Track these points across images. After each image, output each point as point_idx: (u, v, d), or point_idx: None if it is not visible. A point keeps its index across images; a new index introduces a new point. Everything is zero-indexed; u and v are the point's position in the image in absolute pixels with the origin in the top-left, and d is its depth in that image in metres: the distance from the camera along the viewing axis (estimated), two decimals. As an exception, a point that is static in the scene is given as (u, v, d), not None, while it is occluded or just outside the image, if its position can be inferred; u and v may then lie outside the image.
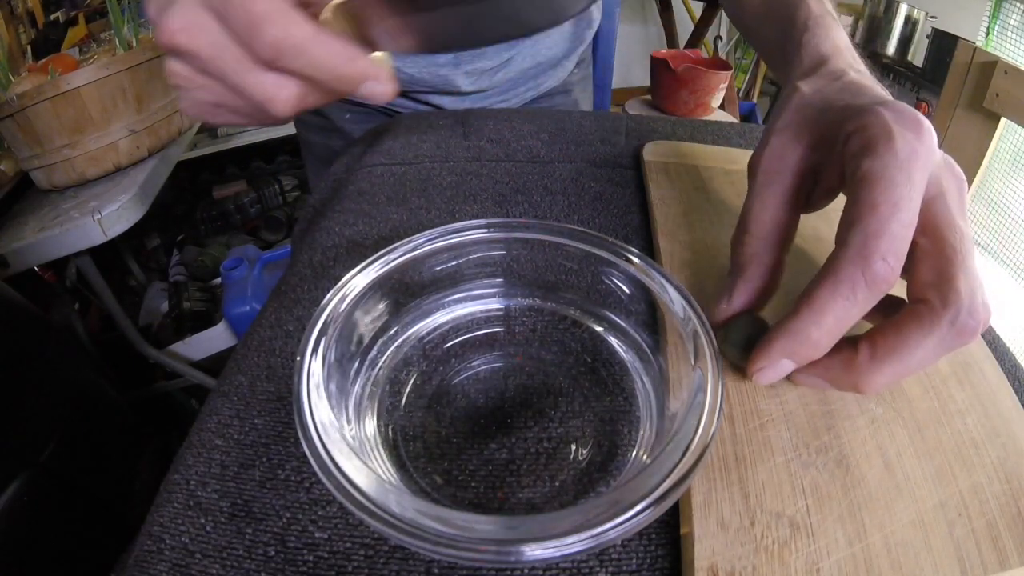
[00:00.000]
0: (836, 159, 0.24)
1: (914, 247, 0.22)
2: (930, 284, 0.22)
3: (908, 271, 0.23)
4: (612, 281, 0.24)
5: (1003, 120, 1.16)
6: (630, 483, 0.17)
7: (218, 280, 1.23)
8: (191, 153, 1.39)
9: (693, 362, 0.21)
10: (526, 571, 0.20)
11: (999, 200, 1.22)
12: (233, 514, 0.23)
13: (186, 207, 1.56)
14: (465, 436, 0.24)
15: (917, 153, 0.21)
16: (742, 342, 0.25)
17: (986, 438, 0.25)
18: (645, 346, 0.24)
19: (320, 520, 0.22)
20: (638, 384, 0.24)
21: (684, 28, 2.09)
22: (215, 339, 1.11)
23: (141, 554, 0.22)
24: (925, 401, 0.26)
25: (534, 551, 0.15)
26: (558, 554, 0.16)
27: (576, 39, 0.65)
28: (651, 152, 0.44)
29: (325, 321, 0.20)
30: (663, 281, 0.23)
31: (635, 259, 0.23)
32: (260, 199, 1.56)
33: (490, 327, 0.25)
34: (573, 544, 0.15)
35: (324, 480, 0.17)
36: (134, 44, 0.91)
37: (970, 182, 1.23)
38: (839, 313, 0.21)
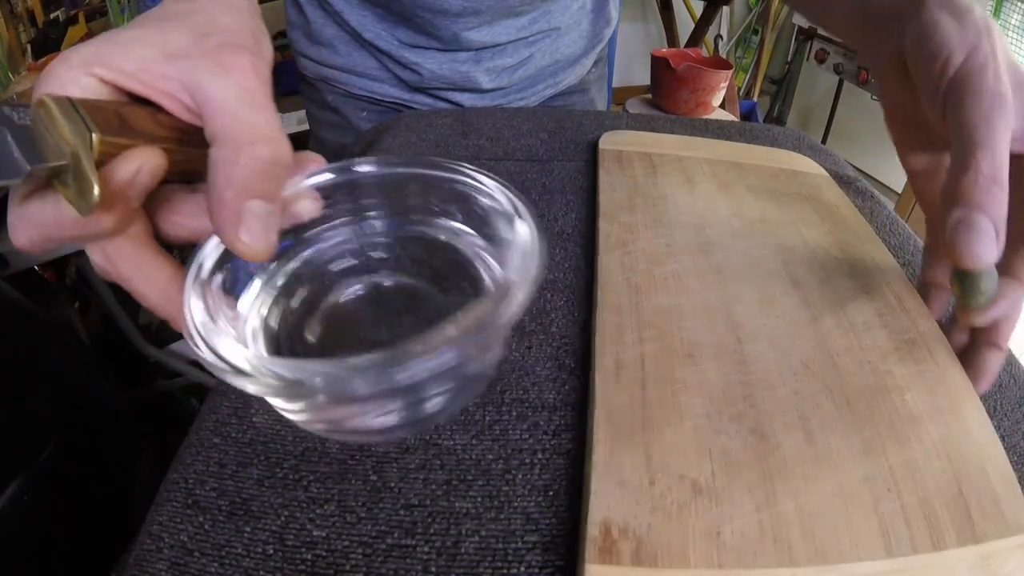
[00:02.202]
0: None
1: None
2: None
3: None
4: (454, 191, 0.25)
5: (1003, 119, 1.16)
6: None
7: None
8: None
9: (512, 236, 0.22)
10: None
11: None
12: (232, 512, 0.23)
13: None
14: (339, 343, 0.24)
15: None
16: (989, 288, 0.24)
17: (927, 415, 0.24)
18: (484, 240, 0.25)
19: (318, 518, 0.22)
20: (484, 275, 0.25)
21: (684, 27, 2.09)
22: (215, 338, 1.11)
23: (141, 553, 0.22)
24: (859, 376, 0.26)
25: (407, 370, 0.17)
26: (432, 363, 0.17)
27: (594, 37, 0.65)
28: (607, 141, 0.44)
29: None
30: (488, 182, 0.24)
31: (469, 172, 0.25)
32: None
33: (351, 257, 0.27)
34: (444, 353, 0.17)
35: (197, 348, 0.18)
36: (134, 43, 0.91)
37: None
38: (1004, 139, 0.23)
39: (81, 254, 0.90)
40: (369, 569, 0.21)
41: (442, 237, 0.26)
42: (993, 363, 0.28)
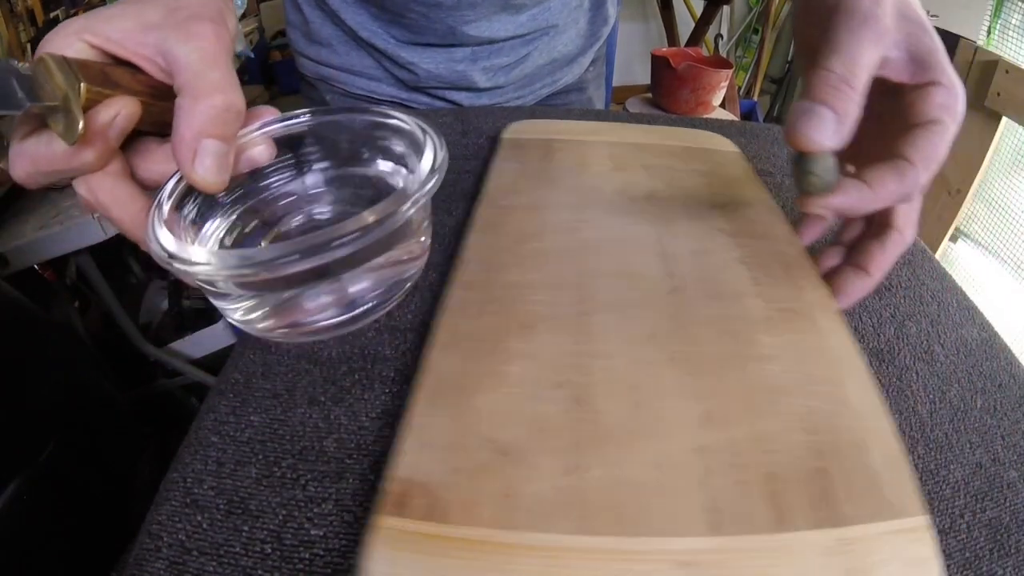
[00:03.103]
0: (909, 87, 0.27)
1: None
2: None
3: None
4: (384, 133, 0.30)
5: (1004, 119, 1.16)
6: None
7: (218, 278, 1.23)
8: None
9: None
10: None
11: (999, 200, 1.22)
12: (230, 511, 0.23)
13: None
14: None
15: (957, 129, 0.26)
16: (823, 174, 0.26)
17: (794, 385, 0.23)
18: (409, 172, 0.29)
19: (316, 517, 0.22)
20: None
21: (685, 26, 2.09)
22: (215, 337, 1.11)
23: (140, 553, 0.22)
24: (715, 346, 0.25)
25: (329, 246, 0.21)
26: (347, 240, 0.21)
27: (592, 36, 0.65)
28: (511, 131, 0.43)
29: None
30: (408, 119, 0.28)
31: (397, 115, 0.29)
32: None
33: (297, 194, 0.31)
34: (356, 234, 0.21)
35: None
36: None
37: (971, 182, 1.23)
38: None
39: (81, 254, 0.90)
40: (367, 568, 0.21)
41: (373, 173, 0.30)
42: (854, 285, 0.29)
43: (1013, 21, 1.22)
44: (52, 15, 1.19)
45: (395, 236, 0.25)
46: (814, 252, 0.32)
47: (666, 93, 1.37)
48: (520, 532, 0.18)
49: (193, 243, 0.25)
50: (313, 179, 0.30)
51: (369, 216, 0.22)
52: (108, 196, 0.24)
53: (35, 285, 0.98)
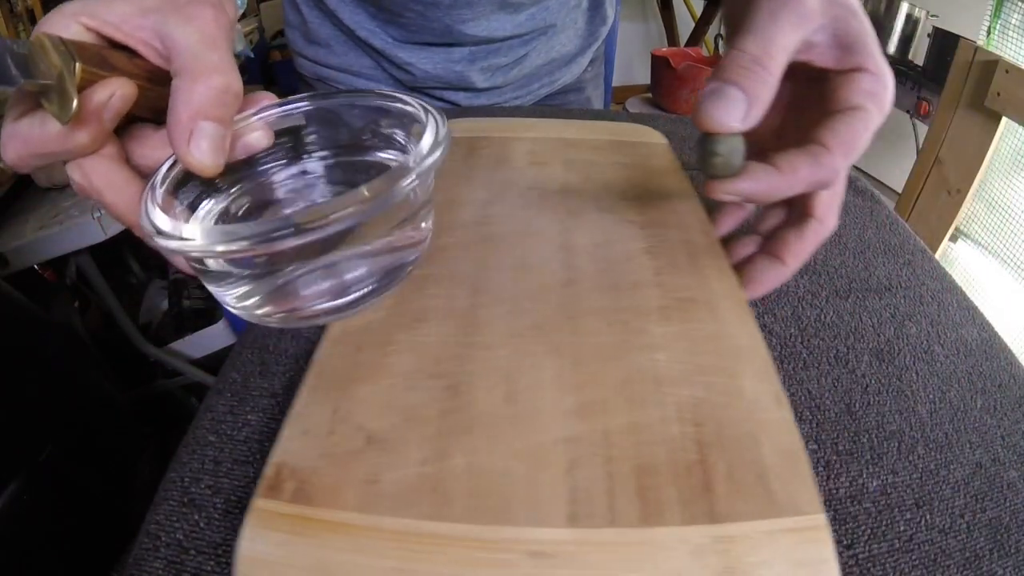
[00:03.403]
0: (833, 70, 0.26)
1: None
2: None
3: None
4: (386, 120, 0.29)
5: (1004, 119, 1.15)
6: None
7: (218, 279, 1.23)
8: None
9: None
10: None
11: (999, 200, 1.22)
12: (227, 511, 0.23)
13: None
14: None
15: (883, 119, 0.26)
16: (728, 156, 0.26)
17: (682, 376, 0.23)
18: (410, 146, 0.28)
19: (314, 517, 0.22)
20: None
21: (685, 26, 2.09)
22: (215, 337, 1.11)
23: (139, 552, 0.22)
24: (601, 336, 0.25)
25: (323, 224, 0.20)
26: (340, 216, 0.20)
27: (590, 36, 0.65)
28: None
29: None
30: (411, 100, 0.27)
31: (405, 98, 0.27)
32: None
33: (294, 180, 0.30)
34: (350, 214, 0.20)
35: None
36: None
37: (971, 182, 1.23)
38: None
39: (81, 254, 0.90)
40: (365, 568, 0.21)
41: (374, 159, 0.29)
42: (766, 274, 0.28)
43: (1013, 21, 1.22)
44: None
45: (392, 216, 0.24)
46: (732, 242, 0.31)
47: (666, 93, 1.37)
48: (379, 516, 0.19)
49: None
50: (312, 166, 0.30)
51: (365, 190, 0.21)
52: (103, 180, 0.23)
53: (35, 285, 0.98)
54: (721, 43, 2.28)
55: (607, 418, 0.21)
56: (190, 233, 0.21)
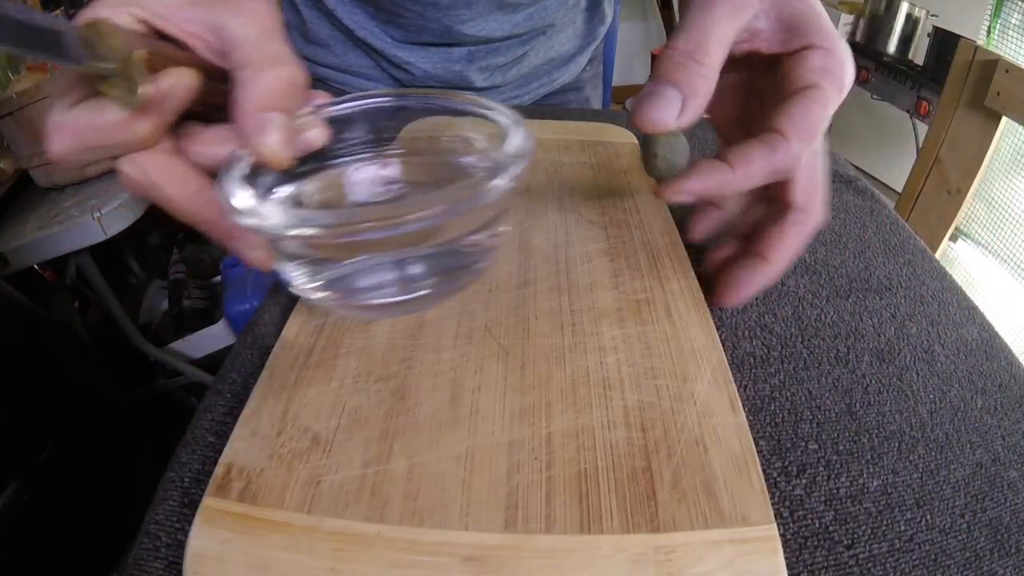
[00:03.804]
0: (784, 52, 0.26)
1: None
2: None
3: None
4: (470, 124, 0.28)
5: (1004, 119, 1.16)
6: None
7: (218, 278, 1.23)
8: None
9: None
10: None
11: (999, 200, 1.22)
12: (228, 511, 0.22)
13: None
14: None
15: (841, 95, 0.25)
16: (669, 156, 0.25)
17: (629, 379, 0.23)
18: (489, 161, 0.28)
19: (315, 518, 0.22)
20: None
21: (685, 27, 2.09)
22: (215, 337, 1.11)
23: (139, 553, 0.22)
24: (551, 339, 0.25)
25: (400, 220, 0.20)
26: (420, 215, 0.20)
27: (589, 36, 0.65)
28: (406, 131, 0.44)
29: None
30: (498, 109, 0.26)
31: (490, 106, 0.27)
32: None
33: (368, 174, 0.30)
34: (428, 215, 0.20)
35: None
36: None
37: (971, 182, 1.23)
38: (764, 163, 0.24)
39: (81, 254, 0.90)
40: (365, 568, 0.21)
41: (450, 160, 0.29)
42: (748, 274, 0.27)
43: (1013, 21, 1.22)
44: (52, 15, 1.19)
45: (470, 220, 0.24)
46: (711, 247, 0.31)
47: (666, 93, 1.37)
48: (319, 517, 0.19)
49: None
50: (388, 163, 0.29)
51: (448, 193, 0.20)
52: (164, 174, 0.23)
53: (35, 285, 0.98)
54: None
55: (551, 422, 0.21)
56: (270, 212, 0.20)
